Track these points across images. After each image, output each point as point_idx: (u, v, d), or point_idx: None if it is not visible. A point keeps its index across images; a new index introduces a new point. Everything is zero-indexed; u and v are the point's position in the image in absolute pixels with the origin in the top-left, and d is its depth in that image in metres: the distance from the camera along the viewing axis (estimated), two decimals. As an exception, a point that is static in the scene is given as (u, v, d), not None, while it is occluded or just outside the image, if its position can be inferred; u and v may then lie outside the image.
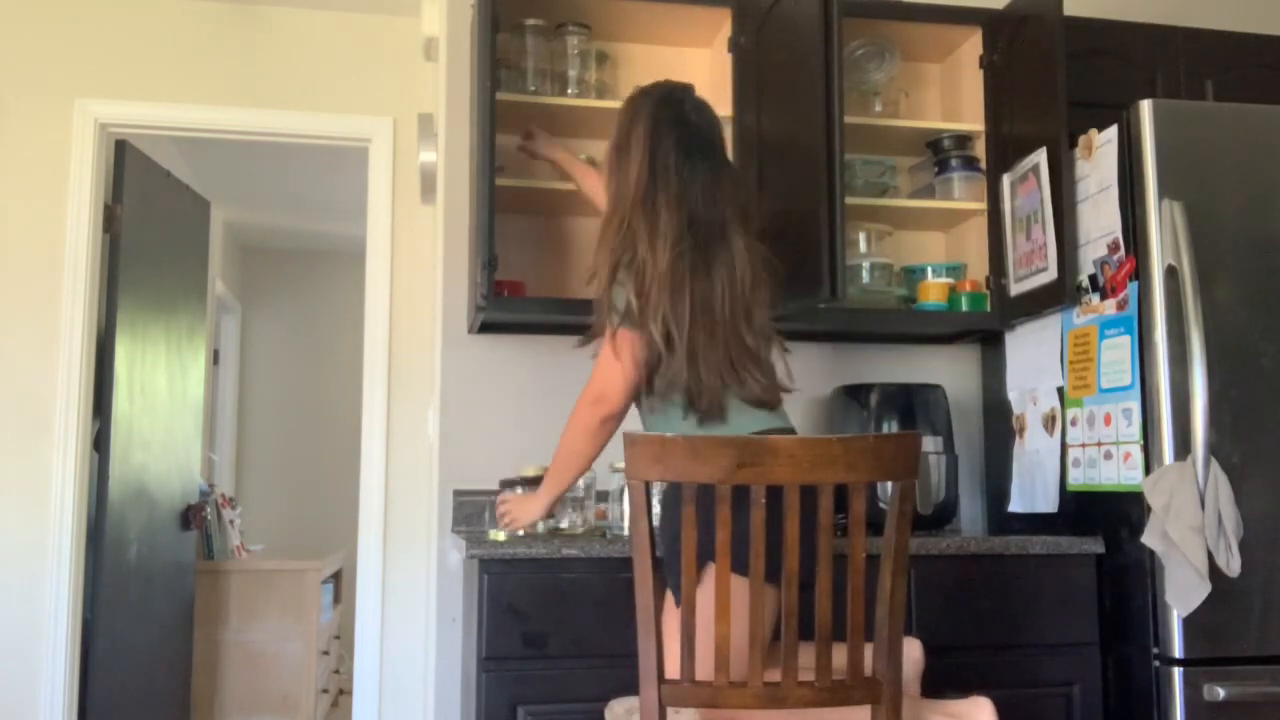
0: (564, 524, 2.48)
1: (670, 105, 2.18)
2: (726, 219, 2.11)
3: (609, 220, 2.14)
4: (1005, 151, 2.85)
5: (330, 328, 6.63)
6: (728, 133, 2.87)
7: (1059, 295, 2.60)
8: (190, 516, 4.06)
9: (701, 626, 1.72)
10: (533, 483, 2.35)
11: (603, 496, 2.53)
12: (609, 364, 2.06)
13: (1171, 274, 2.36)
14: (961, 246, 3.08)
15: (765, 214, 2.51)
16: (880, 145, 3.05)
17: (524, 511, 2.27)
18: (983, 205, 2.94)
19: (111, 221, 3.59)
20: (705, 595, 1.74)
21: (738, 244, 2.10)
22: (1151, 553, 2.33)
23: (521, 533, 2.30)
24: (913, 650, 2.05)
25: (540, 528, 2.37)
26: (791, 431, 2.10)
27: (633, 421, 2.21)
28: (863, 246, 2.99)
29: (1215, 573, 2.25)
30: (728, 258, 2.08)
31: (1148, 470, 2.37)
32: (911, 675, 2.02)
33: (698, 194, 2.09)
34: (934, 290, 2.93)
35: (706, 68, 3.04)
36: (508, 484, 2.45)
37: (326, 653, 4.81)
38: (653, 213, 2.06)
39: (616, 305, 2.04)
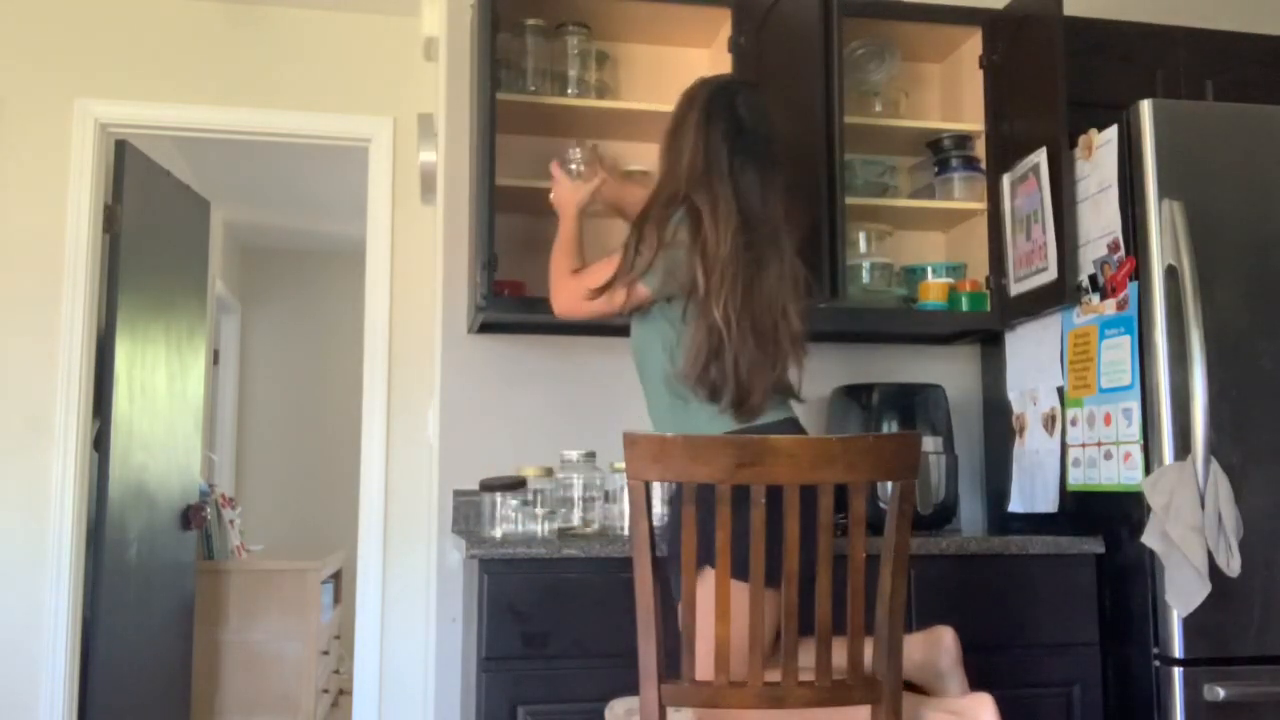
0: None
1: (723, 95, 2.16)
2: (777, 221, 2.11)
3: (658, 195, 2.13)
4: (1005, 151, 2.85)
5: (330, 328, 6.62)
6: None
7: (1059, 295, 2.60)
8: (190, 516, 4.06)
9: (702, 626, 1.72)
10: (514, 485, 2.36)
11: (603, 496, 2.53)
12: (614, 289, 2.11)
13: (1171, 274, 2.36)
14: (961, 246, 3.08)
15: (805, 226, 2.45)
16: (880, 145, 3.05)
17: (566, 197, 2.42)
18: (983, 205, 2.94)
19: (111, 221, 3.59)
20: (705, 594, 1.74)
21: (787, 249, 2.11)
22: (1151, 553, 2.33)
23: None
24: (945, 638, 2.03)
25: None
26: (803, 431, 2.11)
27: (636, 421, 2.22)
28: (863, 246, 2.99)
29: (1215, 573, 2.25)
30: (778, 261, 2.08)
31: (1148, 470, 2.37)
32: (949, 665, 2.01)
33: (748, 190, 2.08)
34: (934, 290, 2.93)
35: (707, 68, 3.03)
36: (487, 486, 2.45)
37: (326, 653, 4.80)
38: (711, 195, 2.05)
39: (651, 268, 2.06)
